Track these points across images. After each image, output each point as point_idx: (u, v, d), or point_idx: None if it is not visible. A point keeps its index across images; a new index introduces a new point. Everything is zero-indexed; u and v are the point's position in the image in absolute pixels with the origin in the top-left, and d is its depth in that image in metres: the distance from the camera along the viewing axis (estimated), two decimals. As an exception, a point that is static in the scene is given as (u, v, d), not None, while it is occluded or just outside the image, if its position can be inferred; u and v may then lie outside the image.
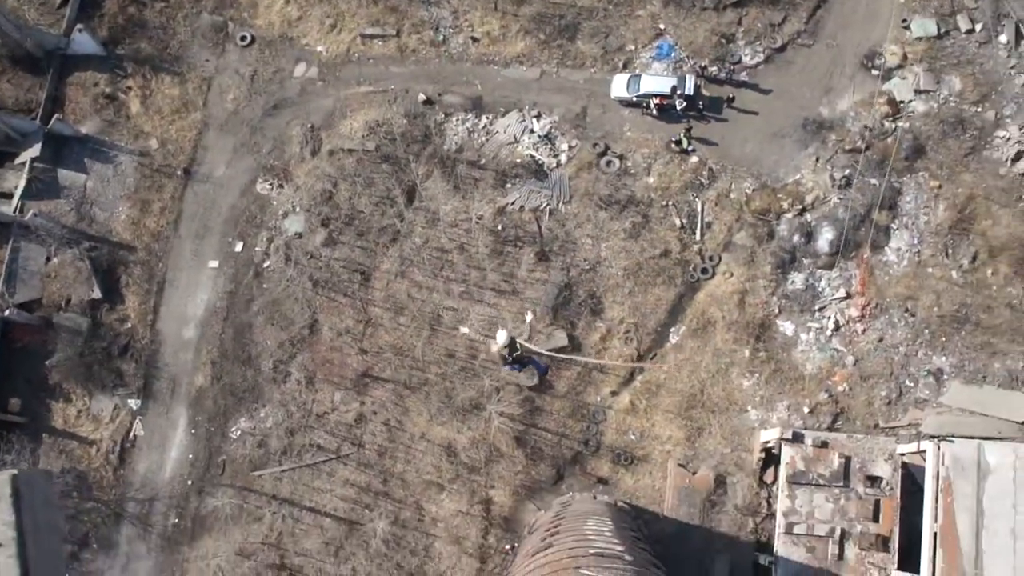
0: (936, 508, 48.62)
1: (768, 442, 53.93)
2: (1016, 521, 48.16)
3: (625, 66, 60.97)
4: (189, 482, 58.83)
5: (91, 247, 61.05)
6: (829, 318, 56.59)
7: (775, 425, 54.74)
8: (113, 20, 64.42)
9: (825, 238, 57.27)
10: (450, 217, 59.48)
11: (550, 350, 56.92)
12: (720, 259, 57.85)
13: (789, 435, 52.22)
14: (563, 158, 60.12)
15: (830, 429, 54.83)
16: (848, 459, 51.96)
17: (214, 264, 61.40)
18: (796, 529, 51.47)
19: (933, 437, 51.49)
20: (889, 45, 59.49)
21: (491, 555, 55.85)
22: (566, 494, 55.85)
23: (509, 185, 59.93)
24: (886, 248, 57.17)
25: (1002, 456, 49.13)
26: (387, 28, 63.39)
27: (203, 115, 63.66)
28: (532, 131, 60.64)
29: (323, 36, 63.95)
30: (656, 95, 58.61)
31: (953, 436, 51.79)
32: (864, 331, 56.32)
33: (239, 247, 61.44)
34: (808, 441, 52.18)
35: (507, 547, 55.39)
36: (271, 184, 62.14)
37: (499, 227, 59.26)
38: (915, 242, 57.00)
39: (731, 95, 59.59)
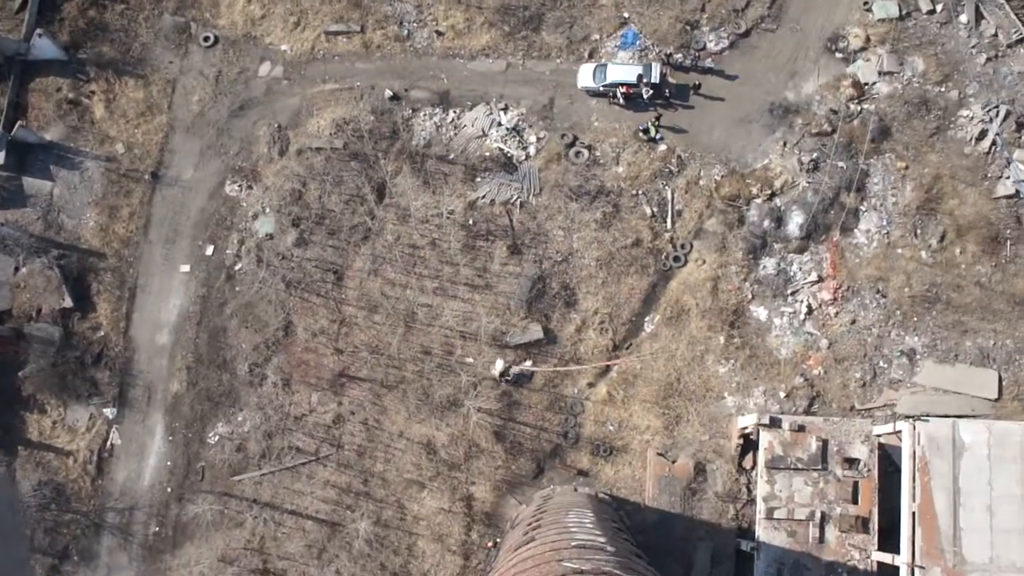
0: (914, 487, 49.17)
1: (746, 428, 54.29)
2: (992, 497, 48.83)
3: (591, 56, 60.87)
4: (168, 489, 58.57)
5: (60, 255, 60.47)
6: (802, 302, 56.94)
7: (752, 411, 55.10)
8: (73, 24, 63.47)
9: (795, 222, 57.53)
10: (421, 213, 59.26)
11: (526, 343, 57.20)
12: (692, 247, 58.02)
13: (766, 420, 52.59)
14: (532, 150, 60.02)
15: (806, 413, 55.23)
16: (825, 442, 52.40)
17: (185, 268, 60.94)
18: (776, 514, 51.90)
19: (908, 417, 52.05)
20: (852, 28, 59.66)
21: (474, 551, 55.99)
22: (547, 487, 56.06)
23: (479, 179, 59.79)
24: (856, 230, 57.53)
25: (976, 433, 49.74)
26: (351, 24, 62.92)
27: (169, 118, 62.99)
28: (500, 124, 60.48)
29: (287, 34, 63.36)
30: (622, 84, 58.55)
31: (928, 415, 52.38)
32: (837, 314, 56.72)
33: (210, 250, 61.00)
34: (785, 426, 52.56)
35: (490, 543, 55.51)
36: (240, 186, 61.68)
37: (470, 222, 59.13)
38: (884, 223, 57.39)
39: (697, 82, 59.64)
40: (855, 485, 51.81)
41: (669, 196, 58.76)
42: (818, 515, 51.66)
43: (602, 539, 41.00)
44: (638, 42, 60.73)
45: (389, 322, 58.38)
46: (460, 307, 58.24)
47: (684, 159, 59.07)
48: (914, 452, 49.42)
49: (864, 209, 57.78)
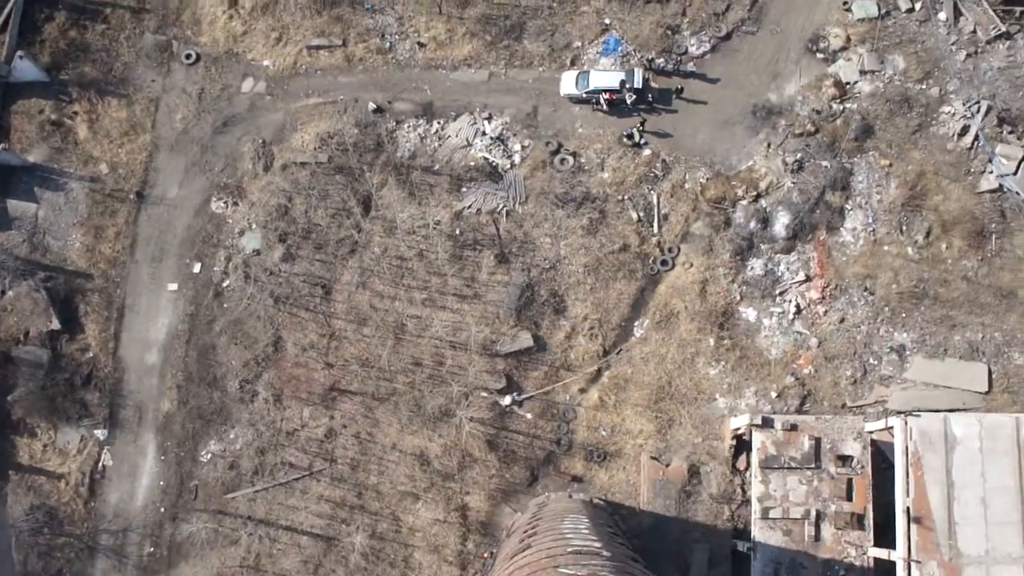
0: (907, 483, 49.18)
1: (738, 429, 54.33)
2: (985, 490, 48.85)
3: (573, 63, 61.08)
4: (162, 509, 58.31)
5: (47, 277, 60.28)
6: (790, 302, 57.09)
7: (744, 412, 55.16)
8: (54, 45, 63.45)
9: (781, 223, 57.73)
10: (407, 225, 59.28)
11: (516, 351, 57.18)
12: (679, 250, 58.16)
13: (758, 421, 52.60)
14: (517, 158, 60.14)
15: (798, 412, 55.33)
16: (818, 440, 52.43)
17: (173, 287, 60.80)
18: (772, 513, 51.88)
19: (900, 413, 52.14)
20: (832, 28, 60.04)
21: (471, 561, 55.83)
22: (542, 495, 55.97)
23: (464, 189, 59.85)
24: (842, 229, 57.75)
25: (968, 427, 49.78)
26: (333, 38, 63.01)
27: (152, 136, 62.97)
28: (484, 133, 60.60)
29: (269, 50, 63.42)
30: (605, 90, 58.78)
31: (919, 410, 52.46)
32: (825, 312, 56.88)
33: (197, 268, 60.87)
34: (777, 425, 52.59)
35: (486, 554, 55.34)
36: (225, 202, 61.60)
37: (457, 232, 59.16)
38: (870, 221, 57.62)
39: (680, 86, 59.89)
40: (849, 482, 51.85)
41: (655, 200, 58.89)
42: (813, 513, 51.66)
43: (598, 544, 40.99)
44: (620, 48, 60.97)
45: (379, 334, 58.31)
46: (449, 317, 58.21)
47: (669, 163, 59.24)
48: (907, 447, 49.46)
49: (849, 207, 58.00)
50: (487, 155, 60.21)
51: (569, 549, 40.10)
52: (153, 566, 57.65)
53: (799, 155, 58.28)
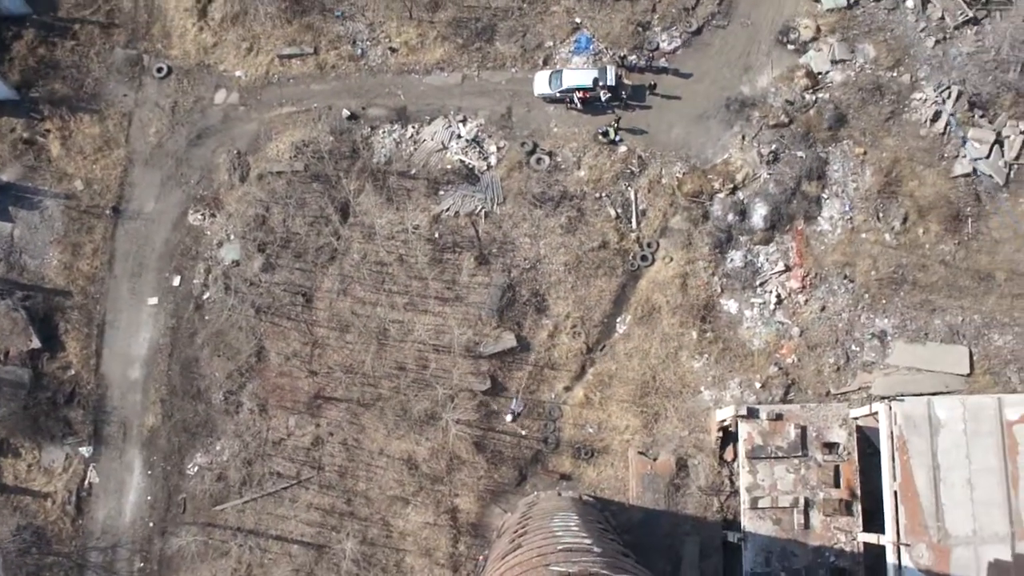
0: (893, 467, 49.56)
1: (724, 420, 54.55)
2: (971, 471, 49.32)
3: (545, 63, 61.19)
4: (151, 524, 57.97)
5: (25, 296, 59.84)
6: (771, 292, 57.35)
7: (729, 403, 55.37)
8: (24, 63, 63.04)
9: (759, 214, 58.00)
10: (386, 230, 59.22)
11: (500, 352, 57.28)
12: (658, 245, 58.35)
13: (744, 411, 52.86)
14: (493, 160, 60.18)
15: (783, 401, 55.59)
16: (804, 429, 52.73)
17: (153, 301, 60.51)
18: (761, 503, 52.12)
19: (884, 398, 52.54)
20: (802, 19, 60.40)
21: (463, 563, 55.78)
22: (531, 494, 56.02)
23: (442, 192, 59.83)
24: (819, 218, 58.08)
25: (951, 409, 50.24)
26: (304, 47, 62.87)
27: (126, 151, 62.64)
28: (459, 136, 60.62)
29: (241, 60, 63.23)
30: (579, 89, 58.91)
31: (903, 395, 52.90)
32: (806, 301, 57.17)
33: (177, 281, 60.60)
34: (763, 416, 52.86)
35: (480, 556, 55.27)
36: (203, 215, 61.37)
37: (436, 235, 59.15)
38: (847, 209, 57.97)
39: (653, 82, 60.09)
40: (836, 469, 52.16)
41: (632, 197, 59.08)
42: (802, 501, 51.95)
43: (588, 541, 41.01)
44: (591, 46, 61.13)
45: (361, 340, 58.21)
46: (432, 321, 58.20)
47: (645, 159, 59.42)
48: (892, 432, 49.83)
49: (826, 196, 58.34)
50: (463, 158, 60.24)
51: (560, 547, 40.10)
52: (143, 582, 57.46)
53: (774, 146, 58.58)
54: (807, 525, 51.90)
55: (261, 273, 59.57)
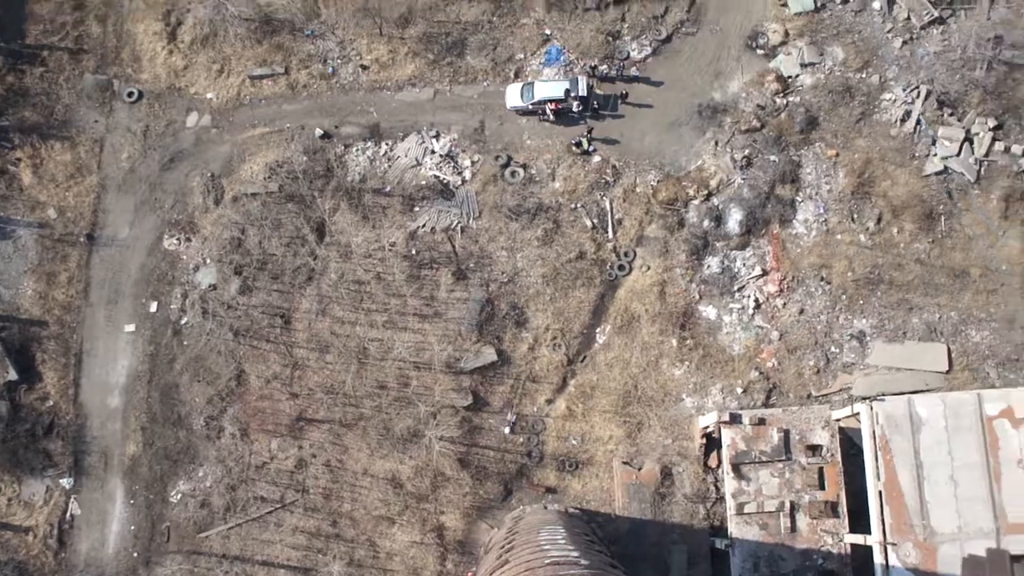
0: (877, 467, 49.78)
1: (707, 427, 54.58)
2: (953, 468, 49.62)
3: (517, 75, 61.26)
4: (135, 554, 57.41)
5: (0, 327, 59.20)
6: (749, 297, 57.48)
7: (711, 409, 55.41)
8: (-8, 92, 62.82)
9: (734, 219, 58.15)
10: (363, 248, 59.08)
11: (481, 367, 57.19)
12: (635, 254, 58.39)
13: (726, 417, 52.93)
14: (467, 174, 60.14)
15: (765, 405, 55.70)
16: (787, 432, 52.87)
17: (131, 328, 60.05)
18: (747, 508, 52.17)
19: (865, 398, 52.81)
20: (770, 24, 60.75)
21: (451, 580, 55.68)
22: (517, 508, 55.89)
23: (417, 208, 59.73)
24: (794, 221, 58.29)
25: (932, 407, 50.56)
26: (275, 67, 62.72)
27: (99, 177, 62.24)
28: (433, 151, 60.57)
29: (212, 82, 62.99)
30: (551, 100, 58.99)
31: (883, 395, 53.11)
32: (784, 305, 57.31)
33: (154, 307, 60.19)
34: (746, 421, 52.92)
35: (468, 573, 55.03)
36: (178, 239, 61.03)
37: (413, 251, 59.01)
38: (821, 211, 58.20)
39: (624, 91, 60.23)
40: (820, 471, 52.32)
41: (608, 206, 59.12)
42: (787, 505, 52.05)
43: (575, 553, 40.96)
44: (562, 57, 61.21)
45: (342, 360, 57.96)
46: (411, 338, 58.02)
47: (619, 168, 59.51)
48: (874, 432, 50.06)
49: (800, 199, 58.56)
50: (437, 173, 60.17)
51: (547, 561, 40.03)
52: (129, 612, 56.91)
53: (747, 151, 58.80)
54: (794, 529, 51.99)
55: (239, 296, 59.25)
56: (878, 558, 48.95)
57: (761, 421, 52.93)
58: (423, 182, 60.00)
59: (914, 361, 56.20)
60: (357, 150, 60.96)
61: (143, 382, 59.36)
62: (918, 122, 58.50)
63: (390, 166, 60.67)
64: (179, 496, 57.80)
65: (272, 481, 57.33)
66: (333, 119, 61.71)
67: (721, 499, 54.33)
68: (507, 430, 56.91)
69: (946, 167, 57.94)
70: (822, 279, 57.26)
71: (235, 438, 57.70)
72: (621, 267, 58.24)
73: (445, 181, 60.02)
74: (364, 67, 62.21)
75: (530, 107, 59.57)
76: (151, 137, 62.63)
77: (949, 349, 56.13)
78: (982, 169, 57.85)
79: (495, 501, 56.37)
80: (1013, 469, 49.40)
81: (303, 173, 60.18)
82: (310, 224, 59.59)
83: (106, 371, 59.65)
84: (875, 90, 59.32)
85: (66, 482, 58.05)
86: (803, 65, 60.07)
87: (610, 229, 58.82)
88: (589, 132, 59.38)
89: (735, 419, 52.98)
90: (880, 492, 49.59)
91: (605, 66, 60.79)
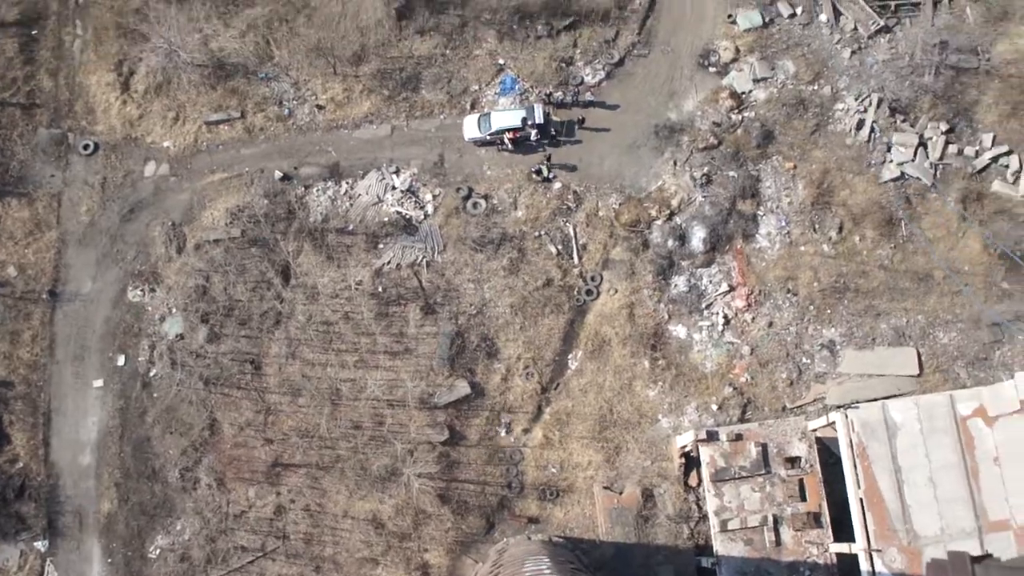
0: (856, 474, 49.90)
1: (685, 446, 54.54)
2: (932, 470, 49.79)
3: (473, 107, 61.43)
4: (115, 614, 56.55)
5: (-36, 391, 58.48)
6: (718, 314, 57.68)
7: (688, 428, 55.40)
8: (-56, 152, 62.14)
9: (698, 237, 58.43)
10: (329, 289, 58.76)
11: (455, 401, 56.88)
12: (602, 278, 58.48)
13: (703, 435, 52.89)
14: (429, 208, 60.09)
15: (741, 421, 55.76)
16: (764, 446, 52.89)
17: (99, 383, 59.29)
18: (730, 525, 52.06)
19: (839, 407, 53.01)
20: (721, 41, 61.37)
21: (439, 618, 55.11)
22: (500, 541, 55.44)
23: (381, 245, 59.53)
24: (757, 235, 58.67)
25: (906, 410, 50.80)
26: (231, 111, 62.52)
27: (59, 232, 61.61)
28: (394, 187, 60.49)
29: (168, 130, 62.67)
30: (508, 129, 59.15)
31: (857, 402, 53.39)
32: (753, 319, 57.57)
33: (122, 360, 59.49)
34: (723, 437, 52.91)
35: None
36: (142, 290, 60.46)
37: (380, 289, 58.77)
38: (783, 224, 58.63)
39: (581, 116, 60.53)
40: (800, 483, 52.33)
41: (571, 232, 59.24)
42: (770, 519, 51.99)
43: (561, 584, 40.75)
44: (517, 86, 61.47)
45: (315, 403, 57.47)
46: (383, 376, 57.66)
47: (580, 193, 59.70)
48: (850, 440, 50.20)
49: (762, 213, 58.98)
50: (400, 209, 60.06)
51: (533, 593, 39.86)
52: (113, 674, 55.83)
53: (706, 169, 59.19)
54: (778, 542, 51.93)
55: (207, 344, 58.69)
56: (864, 565, 48.94)
57: (738, 437, 52.95)
58: (386, 219, 59.86)
59: (885, 367, 56.58)
60: (318, 190, 60.78)
61: (115, 437, 58.53)
62: (872, 130, 59.20)
63: (352, 204, 60.51)
64: (158, 551, 56.90)
65: (252, 529, 56.58)
66: (292, 160, 61.52)
67: (704, 517, 54.24)
68: (503, 432, 56.65)
69: (903, 173, 58.63)
70: (789, 291, 57.61)
71: (211, 488, 56.94)
72: (589, 292, 58.30)
73: (408, 216, 59.93)
74: (320, 107, 62.16)
75: (488, 138, 59.70)
76: (109, 189, 62.13)
77: (919, 352, 56.56)
78: (938, 172, 58.58)
79: (478, 535, 55.90)
80: (990, 467, 49.64)
81: (265, 216, 59.87)
82: (275, 267, 59.24)
83: (76, 428, 58.78)
84: (828, 101, 60.01)
85: (41, 545, 57.00)
86: (755, 80, 60.68)
87: (575, 255, 58.92)
88: (548, 159, 59.60)
89: (712, 436, 52.96)
90: (861, 499, 49.65)
91: (560, 92, 61.07)
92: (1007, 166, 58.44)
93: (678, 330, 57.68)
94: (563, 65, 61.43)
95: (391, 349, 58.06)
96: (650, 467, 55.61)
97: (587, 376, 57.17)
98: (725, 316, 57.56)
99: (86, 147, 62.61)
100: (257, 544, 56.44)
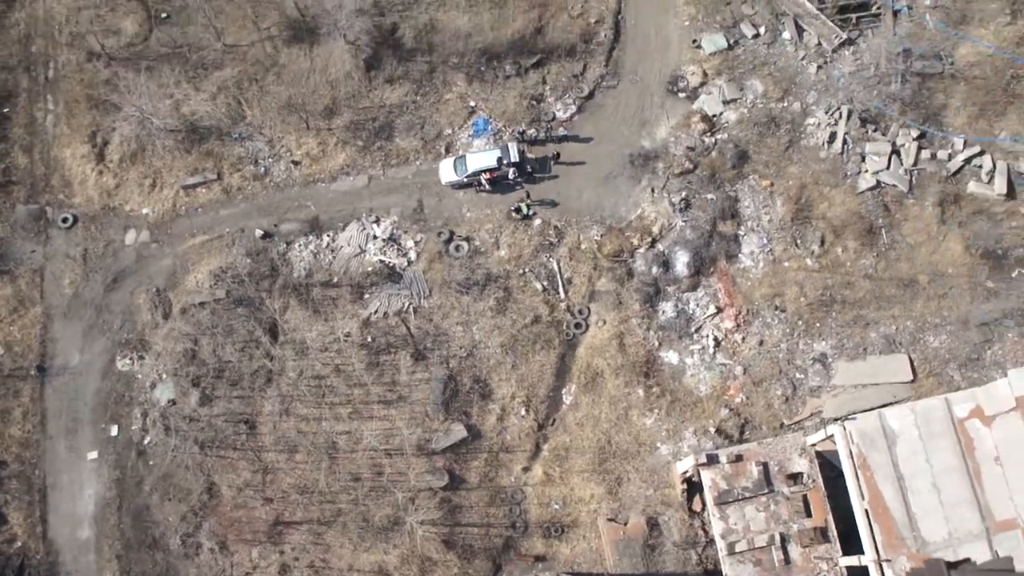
0: (860, 485, 49.63)
1: (686, 472, 54.30)
2: (933, 474, 49.53)
3: (448, 150, 61.79)
4: None
5: (-42, 474, 57.97)
6: (707, 336, 57.75)
7: (687, 454, 55.21)
8: (-78, 234, 62.09)
9: (681, 262, 58.63)
10: (318, 343, 58.65)
11: (452, 445, 56.66)
12: (589, 310, 58.56)
13: (704, 459, 52.59)
14: (412, 255, 60.20)
15: (740, 441, 55.61)
16: (765, 465, 52.60)
17: (93, 455, 58.84)
18: (738, 547, 51.65)
19: (836, 419, 52.77)
20: (688, 66, 62.00)
21: (453, 667, 54.44)
22: (509, 582, 55.10)
23: (367, 295, 59.55)
24: (740, 255, 58.90)
25: (903, 418, 50.67)
26: (207, 173, 62.72)
27: (43, 307, 61.44)
28: (375, 237, 60.62)
29: (146, 198, 62.79)
30: (485, 170, 59.48)
31: (854, 413, 53.22)
32: (743, 339, 57.65)
33: (115, 431, 59.10)
34: (723, 459, 52.65)
35: None
36: (131, 358, 60.22)
37: (369, 339, 58.68)
38: (765, 242, 58.90)
39: (556, 152, 60.95)
40: (804, 499, 52.03)
41: (556, 267, 59.39)
42: (778, 537, 51.57)
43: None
44: (490, 127, 61.91)
45: (312, 458, 57.13)
46: (379, 426, 57.43)
47: (561, 228, 59.95)
48: (850, 451, 50.01)
49: (743, 233, 59.26)
50: (382, 257, 60.15)
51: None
52: None
53: (684, 193, 59.54)
54: (788, 560, 51.52)
55: (199, 408, 58.39)
56: (874, 576, 48.74)
57: (739, 458, 52.73)
58: (369, 268, 59.93)
59: (878, 375, 56.64)
60: (300, 245, 60.86)
61: (113, 509, 57.98)
62: (844, 142, 59.73)
63: (334, 257, 60.59)
64: (164, 621, 56.36)
65: (257, 591, 56.13)
66: (272, 218, 61.65)
67: (711, 542, 53.89)
68: (523, 411, 56.58)
69: (878, 181, 59.08)
70: (776, 308, 57.75)
71: (214, 552, 56.37)
72: (577, 325, 58.33)
73: (391, 264, 60.00)
74: (296, 162, 62.42)
75: (465, 180, 59.98)
76: (91, 260, 62.08)
77: (911, 358, 56.68)
78: (913, 178, 59.06)
79: (486, 578, 55.61)
80: (992, 467, 49.47)
81: (248, 276, 59.87)
82: (262, 326, 59.13)
83: (73, 503, 58.21)
84: (798, 116, 60.59)
85: (43, 625, 56.42)
86: (725, 102, 61.24)
87: (561, 289, 59.03)
88: (527, 196, 59.87)
89: (712, 460, 52.72)
90: (866, 510, 49.38)
91: (533, 129, 61.54)
92: (980, 166, 58.97)
93: (670, 356, 57.70)
94: (534, 102, 61.94)
95: (384, 398, 57.87)
96: (653, 496, 55.37)
97: (583, 409, 57.06)
98: (715, 338, 57.62)
99: (65, 220, 62.62)
100: (264, 606, 55.94)
